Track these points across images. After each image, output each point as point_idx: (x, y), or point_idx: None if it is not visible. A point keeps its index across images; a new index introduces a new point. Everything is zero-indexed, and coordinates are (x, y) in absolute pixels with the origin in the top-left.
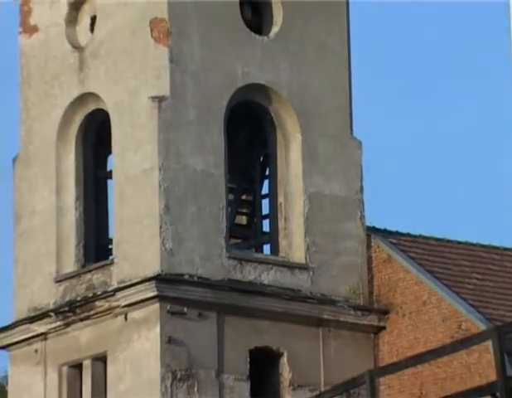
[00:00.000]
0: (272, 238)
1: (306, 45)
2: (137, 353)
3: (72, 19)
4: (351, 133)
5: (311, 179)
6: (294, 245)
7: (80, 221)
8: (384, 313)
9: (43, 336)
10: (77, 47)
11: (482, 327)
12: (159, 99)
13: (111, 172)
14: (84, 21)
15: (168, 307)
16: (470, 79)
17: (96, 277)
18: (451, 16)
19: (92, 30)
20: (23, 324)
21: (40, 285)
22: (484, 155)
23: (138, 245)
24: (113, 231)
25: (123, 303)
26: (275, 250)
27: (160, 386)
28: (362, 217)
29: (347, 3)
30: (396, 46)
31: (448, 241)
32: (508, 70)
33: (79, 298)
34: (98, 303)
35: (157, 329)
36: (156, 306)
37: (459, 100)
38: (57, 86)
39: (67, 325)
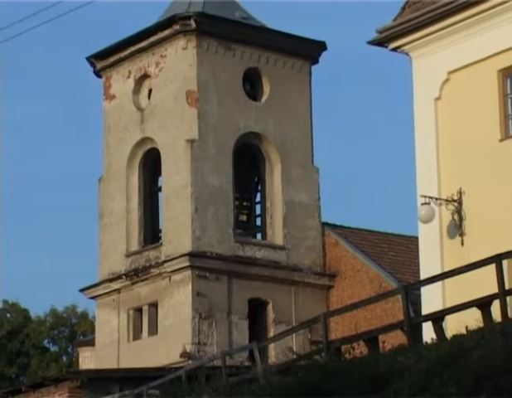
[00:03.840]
0: (263, 229)
1: (283, 107)
2: (177, 302)
3: (137, 91)
4: (312, 163)
5: (287, 192)
6: (276, 233)
7: (141, 218)
8: (333, 276)
9: (117, 290)
10: (140, 109)
11: (395, 286)
12: (191, 141)
13: (161, 187)
14: (144, 92)
15: (197, 273)
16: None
17: (151, 253)
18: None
19: (149, 97)
20: (105, 283)
21: (115, 258)
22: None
23: (178, 233)
24: (162, 225)
25: (168, 270)
26: (264, 237)
27: (191, 322)
28: (319, 216)
29: (310, 79)
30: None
31: (374, 231)
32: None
33: (140, 267)
34: (152, 270)
35: (190, 287)
36: (189, 272)
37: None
38: (127, 133)
39: (133, 284)
